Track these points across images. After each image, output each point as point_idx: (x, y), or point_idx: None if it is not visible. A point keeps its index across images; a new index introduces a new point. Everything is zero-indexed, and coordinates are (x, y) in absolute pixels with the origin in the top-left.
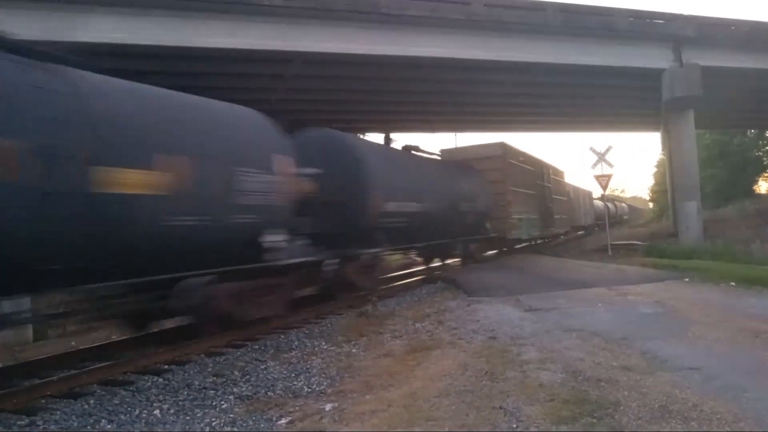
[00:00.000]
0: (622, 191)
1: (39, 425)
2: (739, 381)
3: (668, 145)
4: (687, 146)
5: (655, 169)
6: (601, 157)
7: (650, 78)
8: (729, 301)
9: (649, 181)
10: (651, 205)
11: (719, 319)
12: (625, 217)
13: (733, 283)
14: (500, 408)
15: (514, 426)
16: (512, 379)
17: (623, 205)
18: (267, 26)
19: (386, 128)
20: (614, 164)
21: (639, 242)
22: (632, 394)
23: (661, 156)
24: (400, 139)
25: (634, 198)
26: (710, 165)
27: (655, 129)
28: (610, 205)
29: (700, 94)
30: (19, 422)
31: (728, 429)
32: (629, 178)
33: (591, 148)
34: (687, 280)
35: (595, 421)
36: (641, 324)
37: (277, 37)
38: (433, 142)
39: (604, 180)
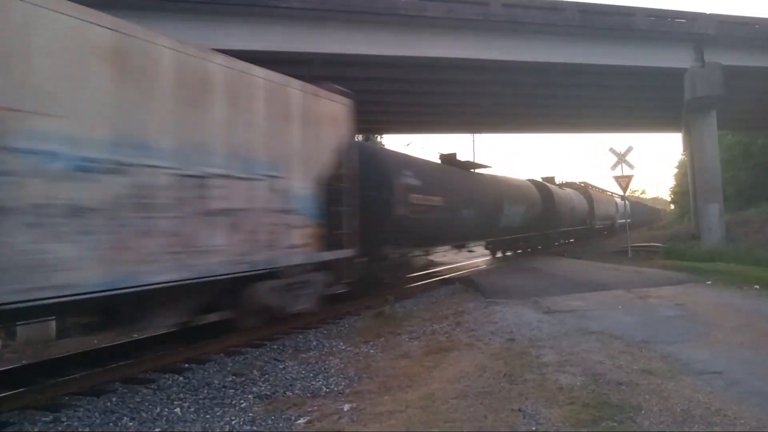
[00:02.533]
0: (643, 192)
1: (63, 422)
2: (763, 386)
3: (690, 146)
4: (709, 147)
5: (676, 171)
6: (621, 158)
7: (671, 78)
8: (752, 305)
9: (670, 182)
10: (672, 206)
11: (742, 323)
12: (621, 221)
13: (756, 287)
14: (519, 410)
15: (533, 429)
16: (531, 382)
17: (616, 201)
18: (286, 29)
19: (404, 129)
20: (635, 165)
21: (659, 244)
22: (654, 398)
23: (683, 157)
24: (416, 140)
25: (655, 199)
26: (732, 166)
27: (677, 130)
28: (567, 193)
29: (723, 94)
30: (44, 419)
31: None
32: (650, 180)
33: (611, 149)
34: (709, 283)
35: (615, 424)
36: (662, 327)
37: (296, 40)
38: (451, 144)
39: (624, 181)
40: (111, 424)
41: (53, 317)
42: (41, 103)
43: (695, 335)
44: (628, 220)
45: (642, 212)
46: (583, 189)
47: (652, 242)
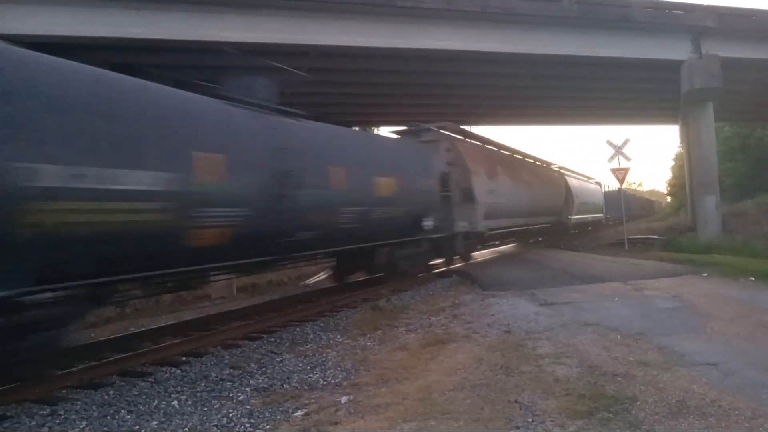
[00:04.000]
0: (639, 185)
1: (61, 415)
2: (758, 377)
3: (687, 138)
4: (706, 139)
5: (672, 163)
6: (618, 151)
7: (669, 70)
8: (748, 297)
9: (667, 175)
10: (669, 199)
11: (738, 314)
12: (583, 217)
13: (752, 279)
14: (515, 402)
15: (530, 420)
16: (527, 374)
17: (568, 183)
18: (283, 20)
19: (400, 121)
20: (632, 157)
21: (656, 236)
22: (649, 389)
23: (680, 149)
24: None
25: (652, 191)
26: (730, 158)
27: (674, 122)
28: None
29: (720, 86)
30: (42, 412)
31: (747, 425)
32: (647, 172)
33: (608, 141)
34: (705, 275)
35: (611, 416)
36: (658, 319)
37: (293, 31)
38: None
39: (620, 173)
40: (109, 417)
41: None
42: None
43: (691, 327)
44: (606, 215)
45: (627, 204)
46: (443, 143)
47: (648, 234)
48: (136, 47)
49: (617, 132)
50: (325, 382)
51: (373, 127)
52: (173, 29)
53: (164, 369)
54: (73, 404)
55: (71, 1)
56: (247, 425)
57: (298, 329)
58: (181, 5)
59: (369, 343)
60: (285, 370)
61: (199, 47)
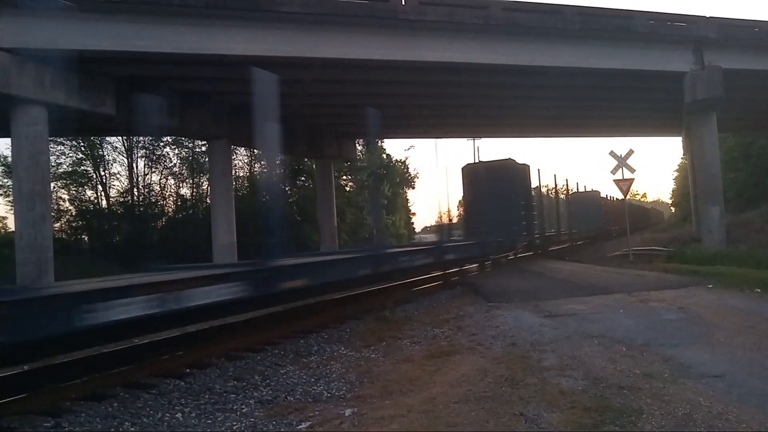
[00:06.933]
0: (644, 195)
1: (65, 427)
2: (765, 388)
3: (690, 149)
4: (709, 149)
5: (676, 174)
6: (622, 162)
7: (671, 81)
8: (753, 308)
9: (671, 186)
10: (673, 209)
11: (743, 325)
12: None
13: (758, 290)
14: (520, 414)
15: None
16: (532, 386)
17: None
18: (286, 33)
19: (404, 134)
20: (636, 169)
21: (660, 248)
22: (655, 401)
23: (683, 160)
24: (417, 144)
25: (656, 202)
26: (733, 168)
27: (677, 133)
28: None
29: (723, 96)
30: (45, 424)
31: None
32: (651, 183)
33: (611, 153)
34: (710, 286)
35: (617, 429)
36: (663, 330)
37: (296, 44)
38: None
39: (624, 185)
40: (112, 429)
41: None
42: None
43: (697, 338)
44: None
45: (608, 216)
46: None
47: (652, 246)
48: (141, 60)
49: (621, 144)
50: (329, 395)
51: (377, 140)
52: (177, 42)
53: (168, 381)
54: (76, 416)
55: (76, 15)
56: None
57: (302, 341)
58: (185, 18)
59: (373, 355)
60: (289, 382)
61: (204, 60)
